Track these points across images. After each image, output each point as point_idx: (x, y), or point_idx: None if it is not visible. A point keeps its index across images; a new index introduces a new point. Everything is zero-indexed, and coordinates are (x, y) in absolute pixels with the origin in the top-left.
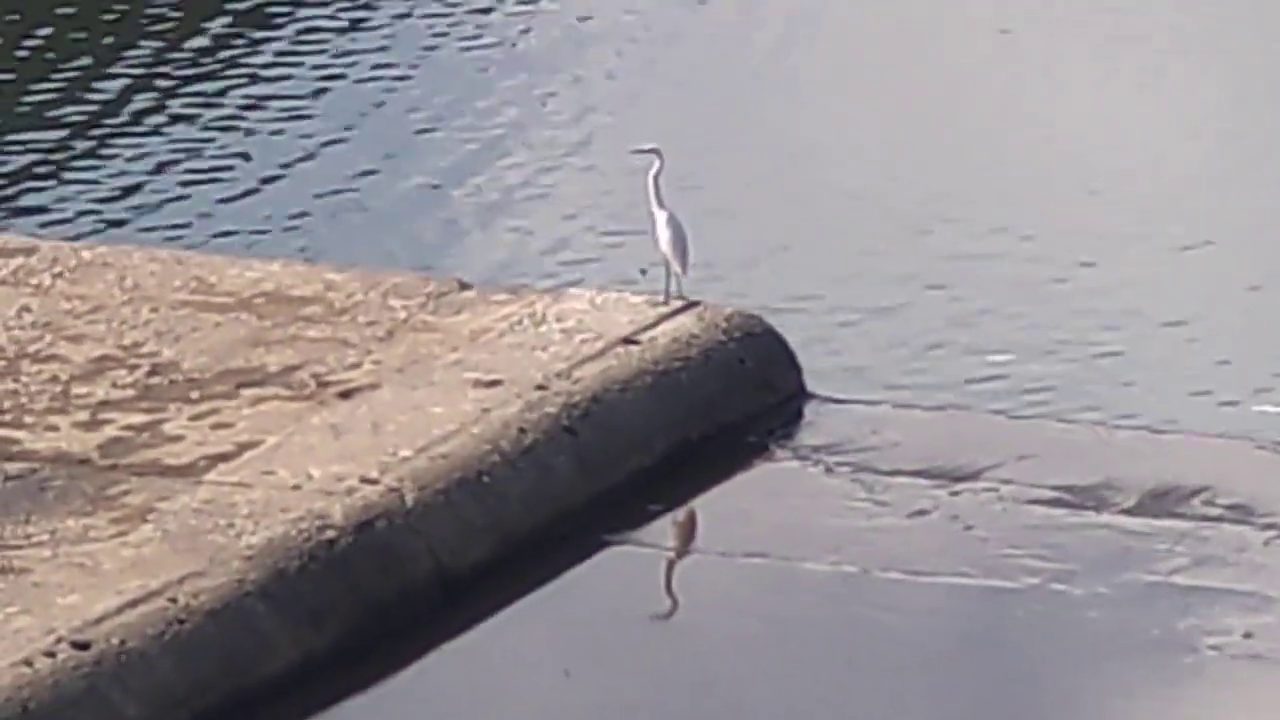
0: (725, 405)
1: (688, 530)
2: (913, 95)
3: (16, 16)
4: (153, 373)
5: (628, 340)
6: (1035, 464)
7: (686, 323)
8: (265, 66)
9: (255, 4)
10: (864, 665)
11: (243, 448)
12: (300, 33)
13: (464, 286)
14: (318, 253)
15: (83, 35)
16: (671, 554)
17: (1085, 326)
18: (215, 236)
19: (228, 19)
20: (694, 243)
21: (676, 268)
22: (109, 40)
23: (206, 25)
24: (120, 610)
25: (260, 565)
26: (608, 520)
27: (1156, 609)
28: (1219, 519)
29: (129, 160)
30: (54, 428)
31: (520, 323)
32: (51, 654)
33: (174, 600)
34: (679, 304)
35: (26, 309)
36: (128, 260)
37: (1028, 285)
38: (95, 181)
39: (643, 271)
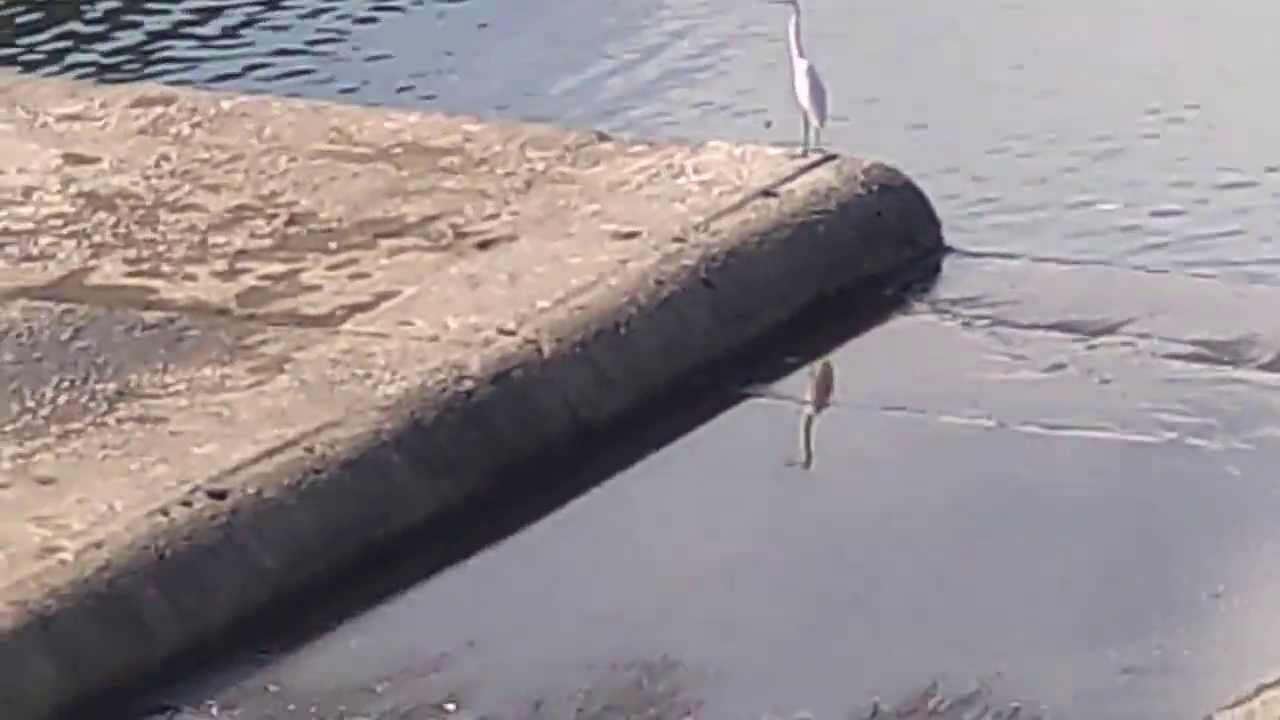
0: (863, 258)
1: (825, 383)
2: None
3: None
4: (290, 222)
5: (766, 193)
6: (1172, 319)
7: (825, 175)
8: None
9: None
10: (1000, 518)
11: (380, 298)
12: None
13: (602, 138)
14: (455, 105)
15: None
16: (808, 407)
17: (1223, 183)
18: (353, 88)
19: None
20: (832, 94)
21: (815, 120)
22: None
23: None
24: (257, 460)
25: (397, 416)
26: (745, 373)
27: None
28: None
29: (267, 10)
30: (192, 277)
31: (658, 175)
32: (188, 503)
33: (310, 450)
34: (817, 156)
35: (165, 158)
36: (266, 110)
37: (1169, 141)
38: (234, 32)
39: (768, 125)
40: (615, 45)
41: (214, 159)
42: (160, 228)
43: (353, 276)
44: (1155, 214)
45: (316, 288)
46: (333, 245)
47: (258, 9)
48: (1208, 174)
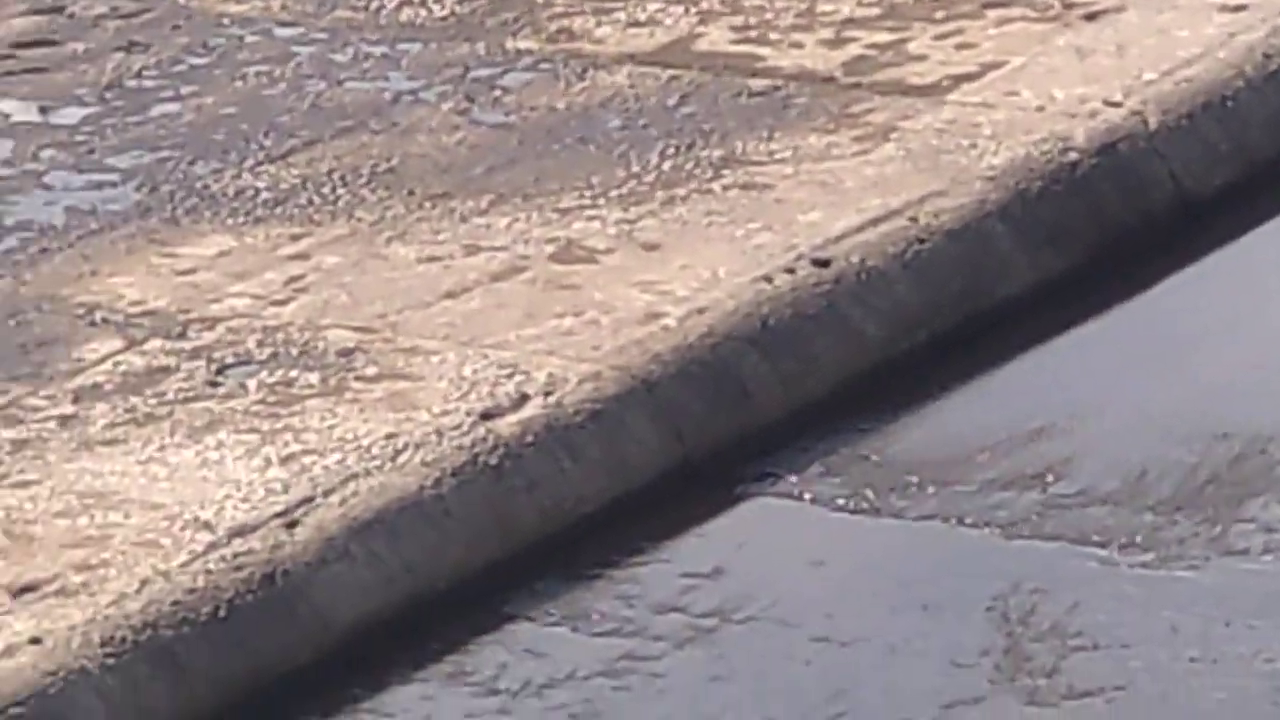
0: None
1: None
2: None
3: None
4: None
5: None
6: None
7: None
8: None
9: None
10: None
11: (986, 68)
12: None
13: None
14: None
15: None
16: None
17: None
18: None
19: None
20: None
21: None
22: None
23: None
24: (861, 229)
25: (1001, 186)
26: None
27: None
28: None
29: None
30: (798, 45)
31: None
32: (791, 270)
33: (914, 220)
34: None
35: None
36: None
37: None
38: None
39: None
40: None
41: None
42: None
43: (959, 46)
44: None
45: (923, 57)
46: (939, 15)
47: None
48: None
